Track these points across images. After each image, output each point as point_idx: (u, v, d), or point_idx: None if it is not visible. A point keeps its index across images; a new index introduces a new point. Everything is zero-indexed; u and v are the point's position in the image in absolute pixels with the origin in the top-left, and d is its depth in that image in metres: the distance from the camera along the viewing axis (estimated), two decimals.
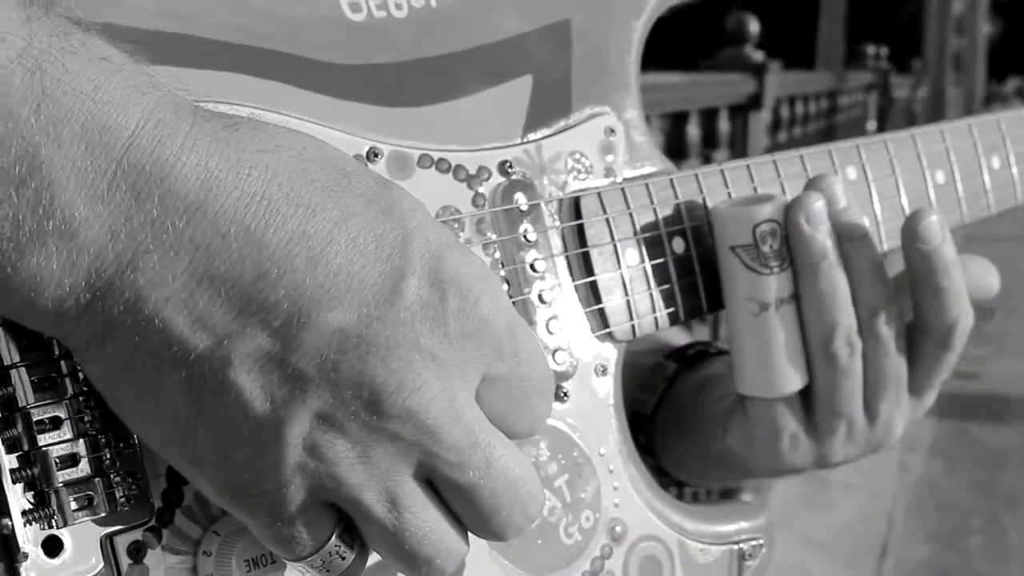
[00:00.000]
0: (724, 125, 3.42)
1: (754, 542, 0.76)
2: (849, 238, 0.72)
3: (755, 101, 3.58)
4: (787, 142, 4.20)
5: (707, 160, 3.13)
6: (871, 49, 6.19)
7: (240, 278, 0.47)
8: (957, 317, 0.73)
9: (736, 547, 0.75)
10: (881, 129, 4.31)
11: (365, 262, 0.49)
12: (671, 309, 0.72)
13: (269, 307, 0.47)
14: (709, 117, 3.35)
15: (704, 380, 0.84)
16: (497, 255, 0.66)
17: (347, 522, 0.51)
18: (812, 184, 0.74)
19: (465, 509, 0.52)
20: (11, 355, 0.50)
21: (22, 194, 0.45)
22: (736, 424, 0.76)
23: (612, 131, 0.72)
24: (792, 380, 0.72)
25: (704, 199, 0.74)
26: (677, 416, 0.84)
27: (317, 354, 0.48)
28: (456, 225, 0.65)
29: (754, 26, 3.63)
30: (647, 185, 0.72)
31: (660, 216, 0.72)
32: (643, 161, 0.74)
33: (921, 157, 0.86)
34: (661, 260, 0.72)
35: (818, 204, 0.71)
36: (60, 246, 0.46)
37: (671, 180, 0.73)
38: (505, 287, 0.66)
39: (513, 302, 0.66)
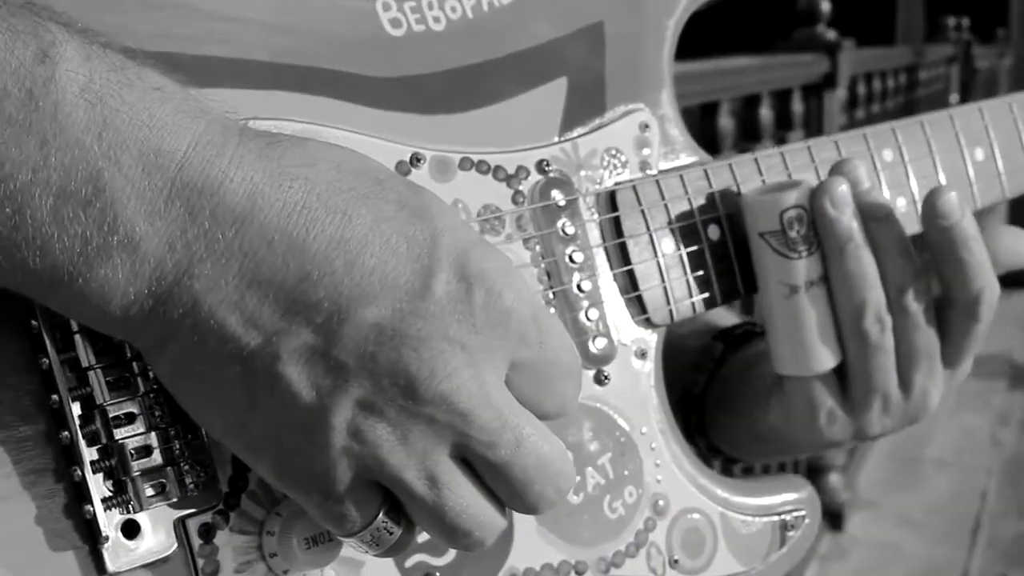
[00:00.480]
0: (798, 106, 3.40)
1: (796, 513, 0.79)
2: (874, 218, 0.75)
3: (829, 80, 3.56)
4: (865, 119, 4.16)
5: (781, 141, 3.13)
6: (951, 21, 6.09)
7: (285, 281, 0.52)
8: (982, 288, 0.76)
9: (779, 518, 0.78)
10: (964, 101, 4.22)
11: (397, 262, 0.53)
12: (707, 294, 0.75)
13: (312, 306, 0.52)
14: (782, 98, 3.33)
15: (750, 359, 0.87)
16: (538, 248, 0.70)
17: (393, 500, 0.56)
18: (836, 168, 0.77)
19: (499, 485, 0.56)
20: (88, 358, 0.55)
21: (89, 213, 0.50)
22: (776, 402, 0.80)
23: (646, 126, 0.76)
24: (826, 358, 0.76)
25: (738, 187, 0.77)
26: (725, 395, 0.87)
27: (356, 347, 0.52)
28: (497, 222, 0.69)
29: (826, 5, 3.61)
30: (681, 176, 0.76)
31: (695, 205, 0.76)
32: (678, 153, 0.78)
33: (959, 135, 0.89)
34: (697, 247, 0.75)
35: (842, 188, 0.74)
36: (124, 258, 0.51)
37: (705, 170, 0.77)
38: (546, 278, 0.70)
39: (554, 292, 0.70)
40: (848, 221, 0.74)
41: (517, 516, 0.68)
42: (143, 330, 0.53)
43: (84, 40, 0.51)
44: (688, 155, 0.78)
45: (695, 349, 0.90)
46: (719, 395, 0.87)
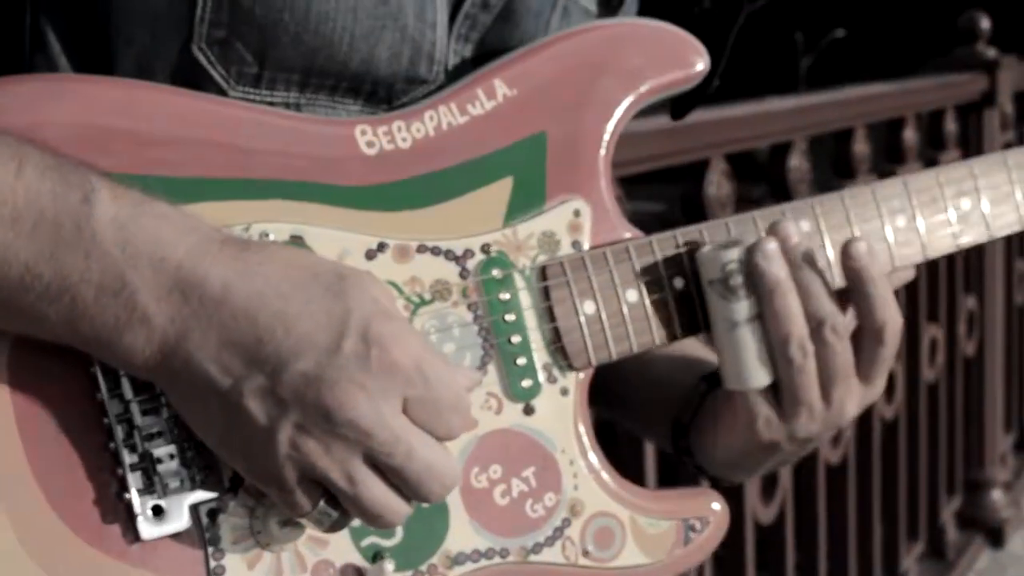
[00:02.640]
0: (951, 126, 3.47)
1: (701, 519, 0.99)
2: (798, 267, 0.95)
3: (988, 98, 3.60)
4: None
5: (931, 162, 3.21)
6: None
7: (245, 342, 0.77)
8: (885, 320, 0.95)
9: (683, 522, 0.99)
10: None
11: (319, 330, 0.78)
12: (621, 345, 0.97)
13: (263, 360, 0.77)
14: (933, 119, 3.41)
15: (727, 395, 1.07)
16: (478, 311, 0.94)
17: (330, 493, 0.80)
18: (770, 230, 0.97)
19: (400, 483, 0.80)
20: (129, 394, 0.82)
21: (117, 300, 0.77)
22: (726, 415, 1.00)
23: (578, 213, 0.98)
24: (763, 377, 0.96)
25: (657, 257, 0.98)
26: (705, 425, 1.07)
27: (291, 388, 0.77)
28: (446, 291, 0.93)
29: (985, 23, 3.65)
30: (604, 253, 0.97)
31: (615, 274, 0.97)
32: (609, 233, 0.99)
33: (879, 205, 1.06)
34: (615, 308, 0.97)
35: (771, 245, 0.95)
36: (141, 329, 0.77)
37: (627, 247, 0.98)
38: (484, 334, 0.93)
39: (490, 344, 0.93)
40: (775, 271, 0.94)
41: (452, 511, 0.91)
42: (157, 375, 0.79)
43: (114, 186, 0.78)
44: (617, 233, 0.99)
45: (687, 385, 1.10)
46: (701, 425, 1.07)
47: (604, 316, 0.96)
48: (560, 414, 0.96)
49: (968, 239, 1.10)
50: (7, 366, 0.81)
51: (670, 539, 0.98)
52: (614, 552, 0.96)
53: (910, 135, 3.17)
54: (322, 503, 0.80)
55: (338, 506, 0.81)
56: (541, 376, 0.95)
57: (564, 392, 0.96)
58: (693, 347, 1.12)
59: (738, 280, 0.95)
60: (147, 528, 0.82)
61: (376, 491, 0.80)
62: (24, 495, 0.80)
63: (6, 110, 0.82)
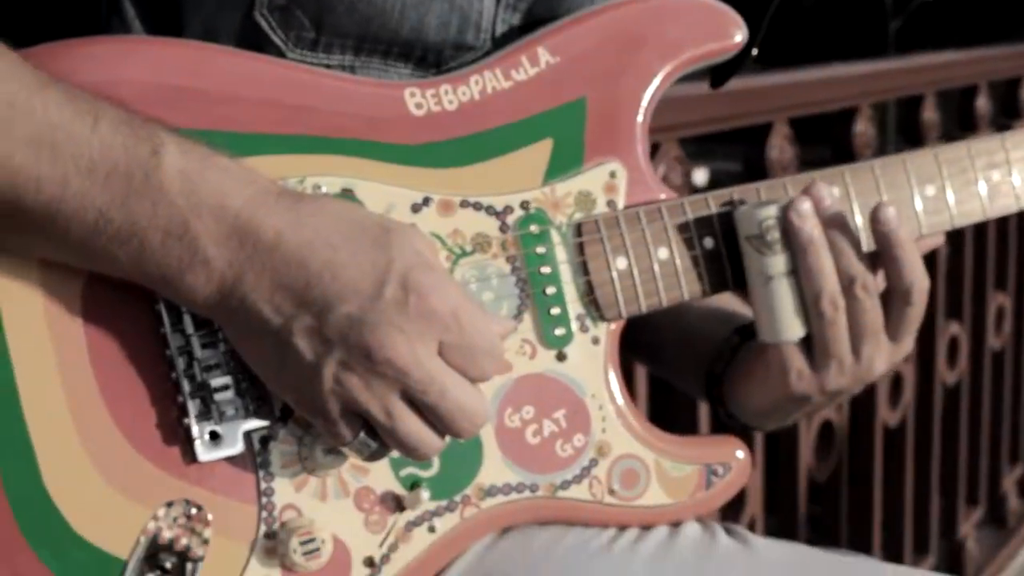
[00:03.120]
0: None
1: (724, 463, 1.06)
2: (831, 226, 1.01)
3: None
4: None
5: (1003, 129, 3.19)
6: None
7: (296, 286, 0.85)
8: (912, 281, 1.01)
9: (706, 466, 1.05)
10: None
11: (364, 277, 0.85)
12: (651, 300, 1.03)
13: (311, 302, 0.85)
14: (1008, 88, 3.39)
15: (760, 348, 1.12)
16: (516, 264, 1.00)
17: (370, 425, 0.88)
18: (804, 190, 1.02)
19: (433, 419, 0.87)
20: (190, 328, 0.90)
21: (182, 244, 0.85)
22: (758, 367, 1.06)
23: (614, 174, 1.04)
24: (796, 330, 1.02)
25: (688, 216, 1.04)
26: (737, 376, 1.13)
27: (336, 329, 0.85)
28: (486, 244, 0.99)
29: None
30: (637, 212, 1.03)
31: (648, 232, 1.03)
32: (643, 194, 1.05)
33: (910, 176, 1.11)
34: (647, 264, 1.03)
35: (805, 204, 1.00)
36: (202, 270, 0.85)
37: (660, 208, 1.04)
38: (522, 285, 1.00)
39: (527, 296, 1.00)
40: (810, 229, 1.00)
41: (486, 447, 0.98)
42: (216, 313, 0.87)
43: (180, 140, 0.86)
44: (650, 195, 1.05)
45: (720, 337, 1.16)
46: (733, 375, 1.13)
47: (635, 272, 1.02)
48: (591, 361, 1.02)
49: (997, 210, 1.14)
50: (82, 300, 0.90)
51: (693, 482, 1.05)
52: (639, 492, 1.03)
53: (983, 103, 3.15)
54: (362, 434, 0.88)
55: (377, 437, 0.89)
56: (574, 326, 1.01)
57: (595, 341, 1.02)
58: (727, 301, 1.17)
59: (774, 236, 1.01)
60: (204, 451, 0.91)
61: (412, 425, 0.87)
62: (94, 417, 0.89)
63: (84, 69, 0.90)
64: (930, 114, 2.87)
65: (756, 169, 2.29)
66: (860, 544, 2.85)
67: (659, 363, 1.27)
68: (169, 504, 0.90)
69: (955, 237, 3.10)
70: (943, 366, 3.06)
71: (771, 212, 1.00)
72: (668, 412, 2.09)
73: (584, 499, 1.01)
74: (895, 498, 2.95)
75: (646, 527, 1.04)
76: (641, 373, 2.03)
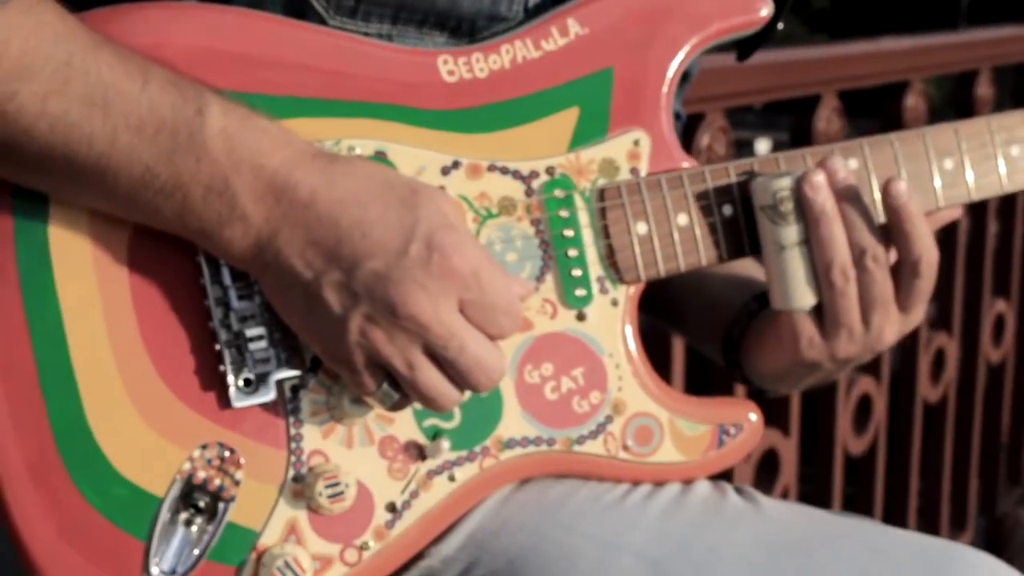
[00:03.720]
0: None
1: (736, 424, 1.10)
2: (844, 198, 1.04)
3: None
4: None
5: None
6: None
7: (327, 242, 0.90)
8: (921, 254, 1.04)
9: (719, 426, 1.09)
10: None
11: (391, 235, 0.90)
12: (670, 264, 1.07)
13: (341, 258, 0.90)
14: None
15: (774, 315, 1.16)
16: (540, 226, 1.04)
17: (393, 377, 0.93)
18: (819, 163, 1.06)
19: (452, 373, 0.92)
20: (227, 280, 0.96)
21: (222, 200, 0.90)
22: (773, 333, 1.10)
23: (638, 143, 1.07)
24: (808, 298, 1.06)
25: (709, 185, 1.07)
26: (753, 341, 1.17)
27: (363, 283, 0.90)
28: (512, 207, 1.04)
29: None
30: (659, 179, 1.07)
31: (668, 199, 1.07)
32: (666, 162, 1.09)
33: (929, 149, 1.14)
34: (666, 230, 1.07)
35: (819, 177, 1.04)
36: (240, 224, 0.90)
37: (681, 176, 1.07)
38: (544, 246, 1.04)
39: (549, 257, 1.04)
40: (822, 201, 1.03)
41: (506, 401, 1.03)
42: (252, 266, 0.93)
43: (224, 101, 0.91)
44: (676, 163, 1.08)
45: (738, 304, 1.20)
46: (750, 341, 1.17)
47: (655, 237, 1.06)
48: (610, 322, 1.06)
49: (1015, 185, 1.17)
50: (128, 250, 0.95)
51: (705, 441, 1.09)
52: (652, 449, 1.07)
53: None
54: (385, 385, 0.93)
55: (399, 388, 0.93)
56: (594, 287, 1.06)
57: (614, 303, 1.06)
58: (747, 267, 1.20)
59: (788, 207, 1.04)
60: (238, 397, 0.96)
61: (432, 377, 0.92)
62: (136, 361, 0.95)
63: (136, 32, 0.95)
64: (984, 90, 2.86)
65: (803, 140, 2.31)
66: (895, 518, 2.87)
67: (683, 327, 1.31)
68: (204, 446, 0.96)
69: (1007, 213, 3.10)
70: (988, 343, 3.06)
71: (785, 183, 1.04)
72: (705, 386, 2.12)
73: (599, 454, 1.06)
74: (933, 474, 2.96)
75: (659, 483, 1.08)
76: (679, 347, 2.06)
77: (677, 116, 1.37)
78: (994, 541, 3.28)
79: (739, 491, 1.09)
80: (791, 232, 1.05)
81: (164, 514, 0.95)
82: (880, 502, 2.75)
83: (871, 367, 2.63)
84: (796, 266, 1.05)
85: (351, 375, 0.93)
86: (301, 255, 0.91)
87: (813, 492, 2.59)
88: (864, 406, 2.64)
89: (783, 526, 1.04)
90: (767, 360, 1.13)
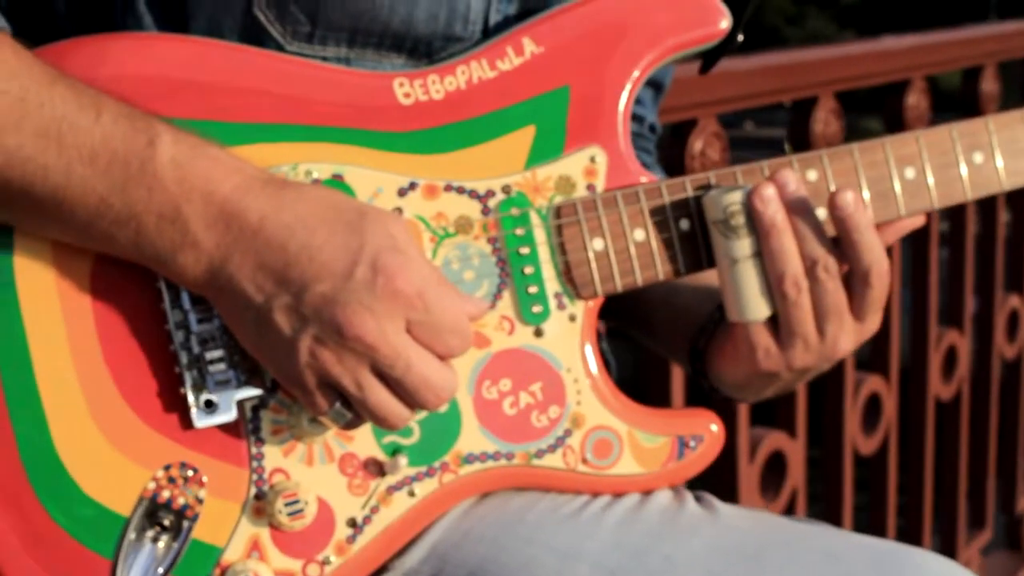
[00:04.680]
0: None
1: (696, 436, 1.11)
2: (795, 210, 1.06)
3: None
4: None
5: None
6: None
7: (275, 266, 0.92)
8: (871, 263, 1.05)
9: (678, 437, 1.10)
10: None
11: (338, 258, 0.92)
12: (627, 279, 1.08)
13: (290, 281, 0.92)
14: None
15: (731, 327, 1.18)
16: (496, 244, 1.06)
17: (345, 397, 0.95)
18: (769, 176, 1.07)
19: (401, 391, 0.94)
20: (187, 305, 0.98)
21: (175, 227, 0.93)
22: (729, 344, 1.11)
23: (594, 159, 1.09)
24: (762, 310, 1.08)
25: (666, 200, 1.09)
26: (716, 351, 1.18)
27: (311, 306, 0.92)
28: (468, 226, 1.06)
29: None
30: (615, 195, 1.09)
31: (624, 214, 1.08)
32: (623, 178, 1.10)
33: (889, 159, 1.15)
34: (623, 245, 1.08)
35: (768, 191, 1.05)
36: (192, 251, 0.93)
37: (637, 191, 1.09)
38: (501, 264, 1.06)
39: (506, 275, 1.06)
40: (772, 213, 1.05)
41: (464, 417, 1.05)
42: (207, 291, 0.95)
43: (175, 131, 0.94)
44: (633, 179, 1.10)
45: (704, 313, 1.21)
46: (712, 351, 1.18)
47: (611, 252, 1.08)
48: (567, 337, 1.08)
49: (978, 192, 1.17)
50: (90, 278, 0.98)
51: (664, 453, 1.10)
52: (611, 461, 1.09)
53: None
54: (338, 404, 0.95)
55: (352, 408, 0.96)
56: (551, 303, 1.07)
57: (572, 318, 1.08)
58: (715, 278, 1.21)
59: (739, 220, 1.05)
60: (200, 418, 0.99)
61: (381, 396, 0.94)
62: (101, 386, 0.98)
63: (92, 65, 0.98)
64: (990, 85, 2.85)
65: (800, 143, 2.31)
66: (910, 518, 2.87)
67: (652, 338, 1.32)
68: (168, 466, 0.99)
69: (1018, 204, 3.08)
70: (1002, 339, 3.05)
71: (736, 198, 1.05)
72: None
73: (558, 467, 1.08)
74: (949, 473, 2.96)
75: (618, 495, 1.09)
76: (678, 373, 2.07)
77: (652, 129, 1.39)
78: (1016, 539, 3.27)
79: (698, 499, 1.11)
80: (743, 245, 1.06)
81: (130, 533, 0.98)
82: (893, 502, 2.75)
83: (880, 365, 2.63)
84: (749, 279, 1.07)
85: (303, 395, 0.96)
86: (252, 279, 0.93)
87: (824, 493, 2.59)
88: (873, 405, 2.64)
89: (740, 533, 1.05)
90: (727, 370, 1.14)
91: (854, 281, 1.07)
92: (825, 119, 2.33)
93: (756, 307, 1.07)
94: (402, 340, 0.93)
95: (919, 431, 2.81)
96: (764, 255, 1.06)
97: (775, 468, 2.37)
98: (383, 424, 0.96)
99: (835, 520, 2.57)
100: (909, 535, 2.87)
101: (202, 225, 0.93)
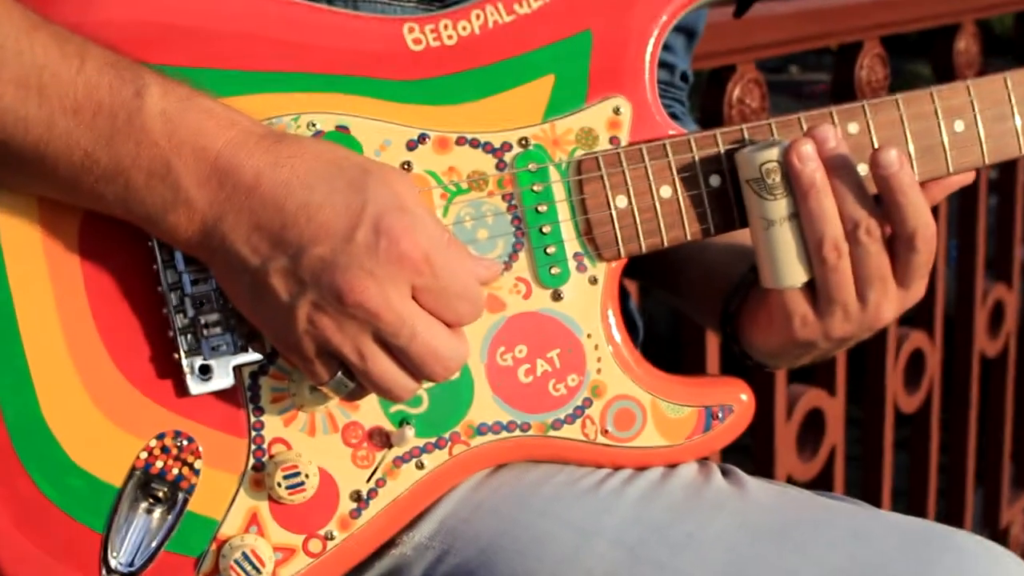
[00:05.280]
0: None
1: (725, 406, 1.04)
2: (835, 169, 0.98)
3: None
4: None
5: None
6: None
7: (272, 227, 0.86)
8: (916, 227, 0.97)
9: (706, 408, 1.04)
10: None
11: (337, 219, 0.86)
12: (652, 239, 1.01)
13: (286, 243, 0.86)
14: None
15: (765, 292, 1.10)
16: (512, 201, 1.00)
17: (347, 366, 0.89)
18: (807, 131, 0.99)
19: (405, 361, 0.88)
20: (182, 265, 0.93)
21: (165, 184, 0.86)
22: (763, 311, 1.04)
23: (619, 110, 1.02)
24: (799, 275, 1.00)
25: (694, 155, 1.02)
26: (748, 315, 1.11)
27: (309, 270, 0.86)
28: (482, 182, 0.99)
29: None
30: (640, 149, 1.01)
31: (650, 169, 1.01)
32: (649, 131, 1.03)
33: (938, 110, 1.06)
34: (648, 203, 1.01)
35: (807, 147, 0.97)
36: (184, 210, 0.87)
37: (664, 145, 1.02)
38: (517, 222, 0.99)
39: (522, 234, 0.99)
40: (811, 172, 0.97)
41: (477, 385, 0.99)
42: (200, 252, 0.89)
43: (165, 81, 0.87)
44: (660, 131, 1.03)
45: (739, 274, 1.14)
46: (745, 314, 1.11)
47: (636, 210, 1.01)
48: (588, 301, 1.01)
49: None
50: (79, 237, 0.93)
51: (690, 425, 1.04)
52: (633, 433, 1.02)
53: None
54: (339, 374, 0.89)
55: (354, 378, 0.90)
56: (571, 265, 1.01)
57: (593, 281, 1.01)
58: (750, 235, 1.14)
59: (775, 180, 0.98)
60: (195, 384, 0.93)
61: (384, 366, 0.88)
62: (90, 350, 0.92)
63: (78, 11, 0.91)
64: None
65: (844, 90, 2.22)
66: (952, 477, 2.79)
67: (681, 297, 1.25)
68: (161, 435, 0.94)
69: None
70: None
71: (772, 155, 0.98)
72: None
73: (577, 439, 1.01)
74: (994, 431, 2.87)
75: (640, 468, 1.03)
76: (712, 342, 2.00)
77: (684, 77, 1.31)
78: None
79: (725, 473, 1.04)
80: (779, 206, 0.99)
81: (122, 505, 0.93)
82: (935, 462, 2.68)
83: (924, 321, 2.55)
84: (785, 241, 0.99)
85: (302, 363, 0.90)
86: (247, 241, 0.87)
87: (862, 453, 2.53)
88: (916, 362, 2.56)
89: (767, 510, 0.99)
90: (760, 336, 1.07)
91: (898, 245, 0.99)
92: (870, 65, 2.23)
93: (792, 272, 1.00)
94: (407, 307, 0.87)
95: (963, 389, 2.73)
96: (802, 216, 0.98)
97: (813, 426, 2.30)
98: (387, 396, 0.90)
99: (874, 480, 2.50)
100: (950, 496, 2.79)
101: (194, 182, 0.87)
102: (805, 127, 1.03)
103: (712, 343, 1.97)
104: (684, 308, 1.29)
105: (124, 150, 0.86)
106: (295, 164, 0.87)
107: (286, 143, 0.88)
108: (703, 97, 1.91)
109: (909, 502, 2.67)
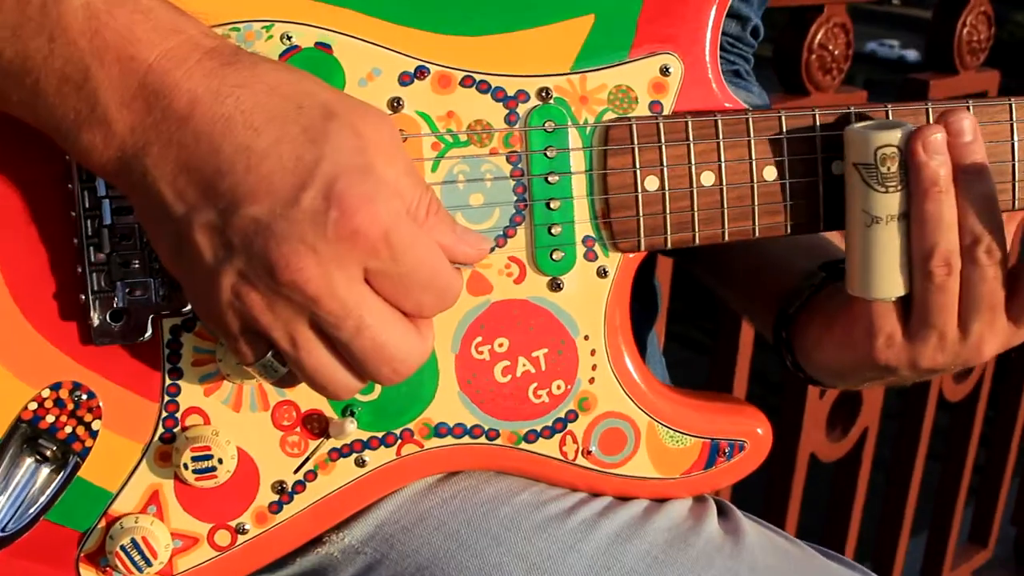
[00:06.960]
0: None
1: (735, 441, 0.87)
2: (965, 171, 0.81)
3: None
4: None
5: None
6: None
7: (204, 171, 0.69)
8: None
9: (712, 441, 0.87)
10: None
11: (284, 175, 0.68)
12: (681, 234, 0.83)
13: (219, 194, 0.69)
14: None
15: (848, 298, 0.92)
16: (519, 165, 0.82)
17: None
18: (940, 117, 0.81)
19: (348, 357, 0.71)
20: (103, 189, 0.76)
21: (80, 95, 0.69)
22: (840, 320, 0.87)
23: (667, 70, 0.83)
24: (893, 288, 0.83)
25: (750, 139, 0.83)
26: (813, 321, 0.93)
27: (240, 232, 0.69)
28: (485, 136, 0.81)
29: None
30: (686, 122, 0.83)
31: (693, 151, 0.83)
32: (701, 100, 0.84)
33: None
34: (683, 190, 0.83)
35: (936, 136, 0.80)
36: (100, 130, 0.70)
37: (715, 120, 0.83)
38: (520, 191, 0.82)
39: (525, 206, 0.82)
40: (936, 167, 0.80)
41: (442, 378, 0.82)
42: (117, 181, 0.72)
43: None
44: (715, 102, 0.84)
45: (801, 271, 0.96)
46: (808, 320, 0.93)
47: (667, 198, 0.83)
48: (592, 296, 0.84)
49: None
50: None
51: (690, 458, 0.87)
52: (620, 458, 0.86)
53: None
54: (268, 356, 0.73)
55: (286, 362, 0.73)
56: (578, 251, 0.83)
57: (602, 273, 0.84)
58: None
59: (890, 169, 0.80)
60: (101, 332, 0.78)
61: (320, 360, 0.71)
62: None
63: None
64: None
65: (940, 55, 1.98)
66: (989, 473, 2.62)
67: (729, 289, 1.07)
68: (56, 386, 0.78)
69: None
70: None
71: (894, 138, 0.80)
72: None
73: (551, 456, 0.85)
74: None
75: (623, 499, 0.87)
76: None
77: (756, 32, 1.11)
78: None
79: (723, 514, 0.88)
80: (889, 201, 0.81)
81: (2, 460, 0.78)
82: (972, 456, 2.50)
83: None
84: (888, 244, 0.82)
85: (227, 339, 0.73)
86: (172, 182, 0.70)
87: (895, 436, 2.35)
88: None
89: (759, 572, 0.82)
90: (828, 351, 0.90)
91: (1021, 275, 0.82)
92: (973, 23, 1.99)
93: (889, 282, 0.82)
94: (354, 294, 0.70)
95: (1018, 382, 2.53)
96: (913, 218, 0.81)
97: (846, 405, 2.13)
98: (323, 392, 0.73)
99: (904, 468, 2.33)
100: (982, 493, 2.62)
101: (115, 99, 0.69)
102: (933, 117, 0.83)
103: (747, 334, 1.79)
104: (727, 297, 1.10)
105: (34, 45, 0.69)
106: (241, 96, 0.69)
107: (237, 66, 0.70)
108: (779, 38, 1.69)
109: (936, 500, 2.51)
